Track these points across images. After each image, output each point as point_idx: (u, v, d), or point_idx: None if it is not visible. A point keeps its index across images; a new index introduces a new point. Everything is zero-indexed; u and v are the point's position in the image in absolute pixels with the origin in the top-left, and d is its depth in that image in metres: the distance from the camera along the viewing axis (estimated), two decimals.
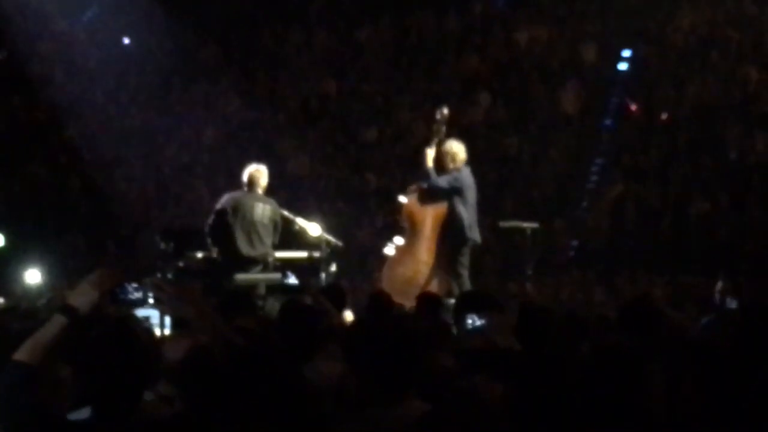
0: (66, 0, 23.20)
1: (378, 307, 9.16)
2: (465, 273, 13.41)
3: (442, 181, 13.37)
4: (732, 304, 11.46)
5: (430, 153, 13.54)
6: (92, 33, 23.93)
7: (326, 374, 5.78)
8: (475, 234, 13.44)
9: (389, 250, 14.13)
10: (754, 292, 13.61)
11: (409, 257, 13.66)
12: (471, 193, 13.44)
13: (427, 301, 9.45)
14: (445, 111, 13.77)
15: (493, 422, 4.14)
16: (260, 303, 12.01)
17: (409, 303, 12.09)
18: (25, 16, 22.81)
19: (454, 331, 7.48)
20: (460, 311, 7.57)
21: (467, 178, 13.45)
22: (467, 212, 13.35)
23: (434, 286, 13.19)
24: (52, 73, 23.67)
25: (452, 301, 10.91)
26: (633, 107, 20.62)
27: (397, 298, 12.37)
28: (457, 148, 13.49)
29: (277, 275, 12.85)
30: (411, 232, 13.75)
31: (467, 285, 13.28)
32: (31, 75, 22.89)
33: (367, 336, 5.15)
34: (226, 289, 11.88)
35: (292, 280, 11.73)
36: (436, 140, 13.59)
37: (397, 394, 4.94)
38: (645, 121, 20.28)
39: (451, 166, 13.44)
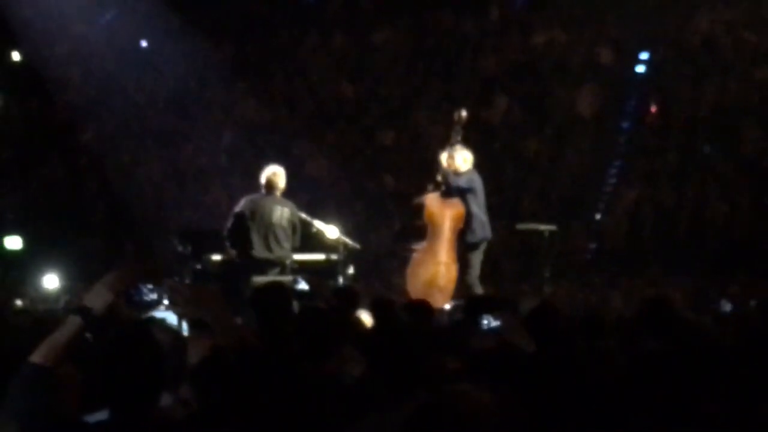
0: (84, 3, 23.21)
1: (381, 312, 9.11)
2: (474, 273, 13.70)
3: (462, 181, 13.75)
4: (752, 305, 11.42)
5: (445, 155, 13.84)
6: (110, 36, 23.92)
7: (346, 375, 5.78)
8: (488, 232, 13.96)
9: (415, 254, 14.28)
10: None
11: (429, 258, 13.89)
12: (482, 194, 13.95)
13: (417, 309, 9.38)
14: (464, 113, 13.96)
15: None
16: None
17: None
18: (43, 18, 22.85)
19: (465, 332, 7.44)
20: (474, 313, 7.56)
21: (479, 180, 13.94)
22: (481, 211, 13.72)
23: (449, 290, 13.32)
24: (69, 76, 23.70)
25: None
26: (653, 109, 20.54)
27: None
28: (468, 153, 13.96)
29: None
30: (431, 233, 13.96)
31: (477, 285, 13.57)
32: (48, 77, 22.91)
33: (375, 339, 5.17)
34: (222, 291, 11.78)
35: (302, 285, 11.70)
36: (451, 142, 13.87)
37: (406, 397, 4.94)
38: (662, 123, 20.23)
39: (464, 168, 13.81)
